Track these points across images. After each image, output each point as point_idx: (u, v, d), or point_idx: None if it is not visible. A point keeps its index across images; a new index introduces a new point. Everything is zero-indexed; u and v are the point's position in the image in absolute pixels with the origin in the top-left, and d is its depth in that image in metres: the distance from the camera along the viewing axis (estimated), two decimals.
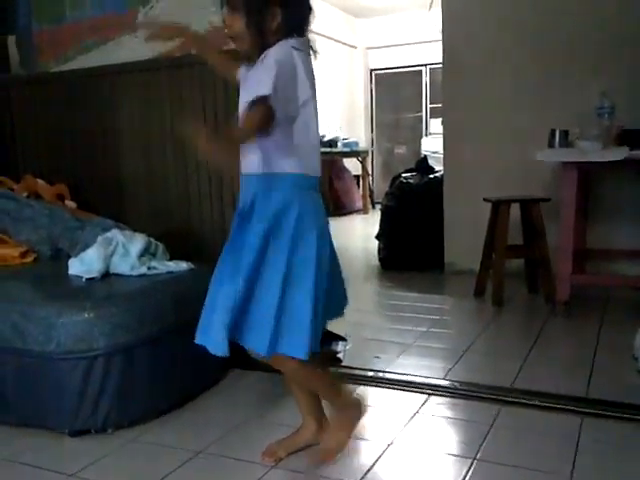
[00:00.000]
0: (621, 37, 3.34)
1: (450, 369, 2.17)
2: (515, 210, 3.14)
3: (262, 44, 1.33)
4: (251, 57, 1.36)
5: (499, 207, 3.07)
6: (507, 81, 3.69)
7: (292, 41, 1.32)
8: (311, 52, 1.38)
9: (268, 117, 1.28)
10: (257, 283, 1.34)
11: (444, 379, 2.08)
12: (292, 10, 1.34)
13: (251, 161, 1.38)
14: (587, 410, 1.80)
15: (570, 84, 3.47)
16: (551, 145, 2.90)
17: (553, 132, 2.88)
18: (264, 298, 1.33)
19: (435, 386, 2.02)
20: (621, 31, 3.34)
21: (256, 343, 1.34)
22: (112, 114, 2.42)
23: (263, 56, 1.31)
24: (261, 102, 1.25)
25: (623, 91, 3.19)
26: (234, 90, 2.13)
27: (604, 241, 3.46)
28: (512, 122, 3.67)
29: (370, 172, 8.82)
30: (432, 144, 7.46)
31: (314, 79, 1.37)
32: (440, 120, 4.71)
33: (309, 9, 1.39)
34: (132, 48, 2.39)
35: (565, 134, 2.89)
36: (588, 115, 2.98)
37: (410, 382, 2.05)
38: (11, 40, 2.68)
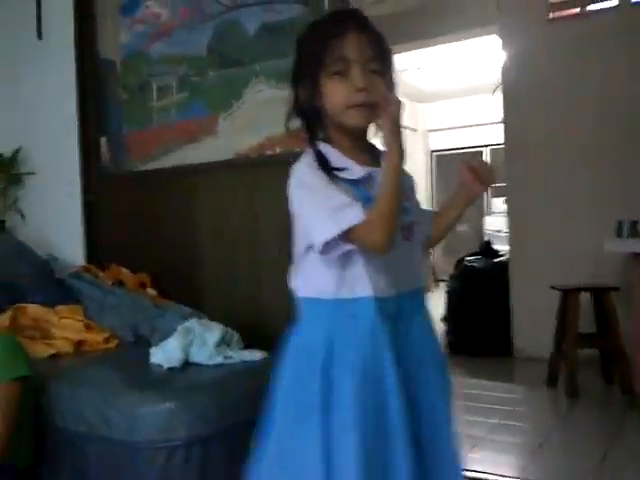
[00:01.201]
0: None
1: (525, 467, 2.11)
2: (586, 296, 3.08)
3: None
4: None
5: (568, 296, 3.02)
6: (572, 163, 3.70)
7: None
8: None
9: None
10: None
11: (519, 478, 2.02)
12: None
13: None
14: None
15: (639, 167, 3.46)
16: (619, 235, 2.88)
17: (621, 222, 2.86)
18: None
19: None
20: None
21: None
22: (191, 210, 2.60)
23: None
24: None
25: None
26: None
27: None
28: (578, 205, 3.66)
29: (432, 250, 8.82)
30: (495, 223, 7.45)
31: None
32: (502, 199, 4.74)
33: None
34: (211, 148, 2.58)
35: (633, 224, 2.86)
36: None
37: None
38: (103, 141, 2.94)
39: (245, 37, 2.52)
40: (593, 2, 3.73)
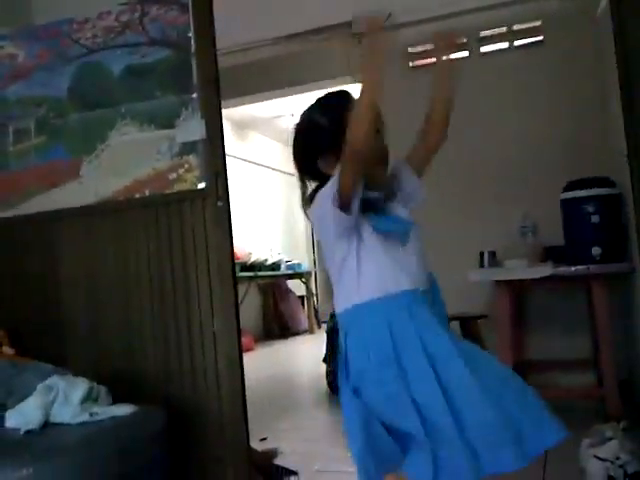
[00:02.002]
0: (538, 165, 3.66)
1: None
2: (457, 326, 3.24)
3: None
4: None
5: None
6: (440, 202, 3.91)
7: None
8: None
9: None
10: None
11: None
12: None
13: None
14: None
15: (496, 205, 3.72)
16: (481, 265, 3.09)
17: (482, 253, 3.08)
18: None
19: None
20: (538, 160, 3.67)
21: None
22: (54, 259, 2.43)
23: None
24: None
25: (543, 210, 3.44)
26: (184, 231, 2.21)
27: (543, 352, 3.58)
28: (443, 241, 3.86)
29: (314, 292, 8.93)
30: None
31: None
32: None
33: None
34: (75, 193, 2.46)
35: (493, 254, 3.09)
36: (514, 234, 3.20)
37: None
38: None
39: (109, 79, 2.47)
40: None
